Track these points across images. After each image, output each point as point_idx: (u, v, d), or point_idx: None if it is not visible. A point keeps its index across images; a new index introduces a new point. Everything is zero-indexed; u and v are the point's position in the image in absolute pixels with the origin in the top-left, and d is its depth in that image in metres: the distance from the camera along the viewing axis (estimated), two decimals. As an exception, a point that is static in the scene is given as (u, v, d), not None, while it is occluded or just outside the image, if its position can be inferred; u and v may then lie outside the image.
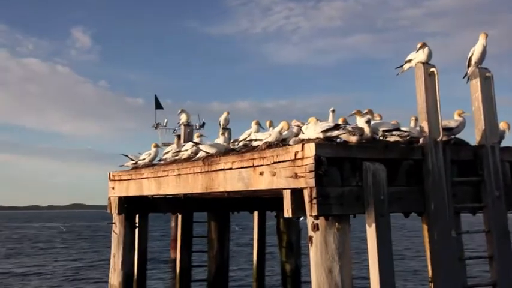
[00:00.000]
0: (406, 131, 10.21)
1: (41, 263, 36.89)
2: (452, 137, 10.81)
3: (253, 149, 11.45)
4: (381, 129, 10.33)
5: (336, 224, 9.23)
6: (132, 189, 15.66)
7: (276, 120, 12.40)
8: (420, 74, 10.37)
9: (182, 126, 19.58)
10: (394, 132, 10.20)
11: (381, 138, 10.37)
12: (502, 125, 11.09)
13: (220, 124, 17.46)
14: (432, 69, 10.32)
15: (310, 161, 9.10)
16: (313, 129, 9.86)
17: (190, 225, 18.38)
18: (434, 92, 10.24)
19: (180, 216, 18.38)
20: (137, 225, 17.02)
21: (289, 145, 10.12)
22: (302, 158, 9.32)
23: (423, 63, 10.33)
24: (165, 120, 39.92)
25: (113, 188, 16.60)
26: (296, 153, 9.46)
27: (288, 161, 9.62)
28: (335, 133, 9.68)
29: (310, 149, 9.13)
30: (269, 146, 10.80)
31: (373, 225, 9.22)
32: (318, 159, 9.02)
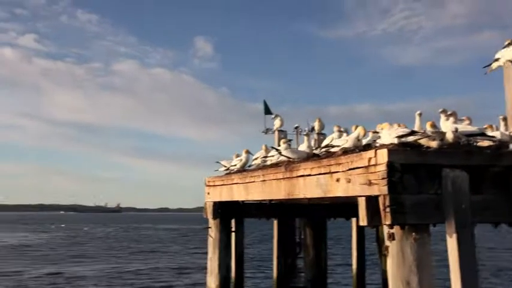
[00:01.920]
0: (491, 136, 9.41)
1: (147, 262, 38.74)
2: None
3: (331, 155, 11.19)
4: (464, 134, 9.60)
5: (413, 234, 8.74)
6: (224, 194, 15.99)
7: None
8: (509, 73, 9.55)
9: (276, 132, 19.64)
10: (479, 137, 9.44)
11: (465, 143, 9.63)
12: None
13: (314, 129, 17.29)
14: (524, 67, 9.46)
15: (383, 168, 8.70)
16: (388, 135, 9.43)
17: (286, 230, 18.37)
18: (526, 92, 9.37)
19: (275, 222, 18.42)
20: (233, 229, 17.30)
21: (363, 151, 9.76)
22: (375, 165, 8.94)
23: (512, 61, 9.50)
24: (275, 126, 40.47)
25: (208, 193, 17.05)
26: (369, 159, 9.10)
27: (362, 167, 9.29)
28: (410, 139, 9.17)
29: (383, 155, 8.73)
30: (345, 152, 10.49)
31: (454, 236, 8.59)
32: (390, 165, 8.61)
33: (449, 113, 9.99)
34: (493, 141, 9.39)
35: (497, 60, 9.96)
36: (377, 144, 10.04)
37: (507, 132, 9.60)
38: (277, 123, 19.46)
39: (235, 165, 16.03)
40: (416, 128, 10.35)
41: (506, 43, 9.70)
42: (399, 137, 9.23)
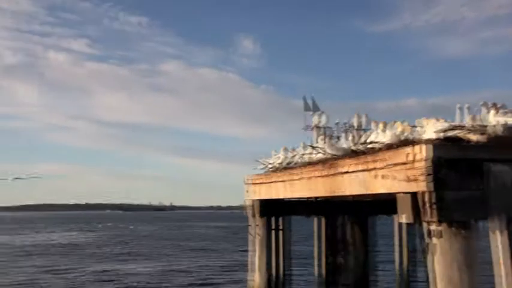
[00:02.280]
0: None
1: (196, 260, 39.10)
2: None
3: (371, 151, 11.03)
4: (507, 127, 9.28)
5: (460, 231, 8.50)
6: (264, 192, 16.00)
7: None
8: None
9: (314, 129, 19.45)
10: (524, 129, 9.10)
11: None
12: None
13: (353, 126, 17.07)
14: None
15: (423, 163, 8.52)
16: (428, 130, 9.23)
17: (332, 228, 18.18)
18: None
19: (322, 219, 18.27)
20: (280, 227, 17.28)
21: (402, 147, 9.57)
22: (415, 161, 8.77)
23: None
24: (314, 122, 40.19)
25: (248, 191, 17.09)
26: (408, 155, 8.93)
27: (401, 163, 9.12)
28: (451, 133, 8.93)
29: (424, 151, 8.55)
30: (386, 148, 10.31)
31: (498, 232, 8.36)
32: (435, 161, 8.40)
33: (490, 105, 9.68)
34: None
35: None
36: (417, 140, 9.83)
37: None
38: (315, 119, 19.20)
39: (273, 163, 15.97)
40: (456, 122, 10.06)
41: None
42: (440, 131, 9.02)
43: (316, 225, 18.62)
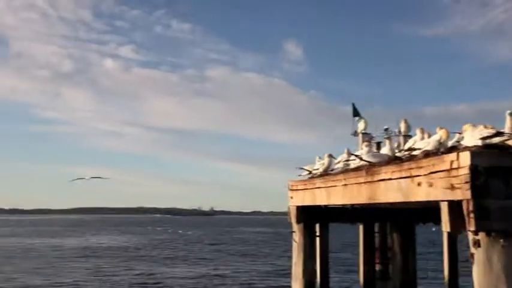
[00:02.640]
0: None
1: (237, 265, 39.21)
2: None
3: (412, 158, 10.83)
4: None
5: (501, 240, 8.25)
6: (307, 198, 15.92)
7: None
8: None
9: (360, 135, 19.27)
10: None
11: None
12: None
13: (400, 132, 16.81)
14: None
15: (465, 171, 8.30)
16: (471, 137, 8.98)
17: (371, 236, 17.97)
18: None
19: (361, 227, 18.07)
20: (318, 234, 17.18)
21: (445, 154, 9.35)
22: (458, 168, 8.55)
23: None
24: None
25: (292, 198, 17.04)
26: (452, 162, 8.71)
27: (444, 171, 8.91)
28: (496, 140, 8.67)
29: (466, 158, 8.33)
30: (427, 155, 10.10)
31: (544, 243, 8.03)
32: (473, 168, 8.19)
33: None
34: None
35: None
36: (459, 147, 9.60)
37: None
38: (361, 125, 19.04)
39: (317, 169, 15.89)
40: (507, 129, 9.76)
41: None
42: (483, 138, 8.78)
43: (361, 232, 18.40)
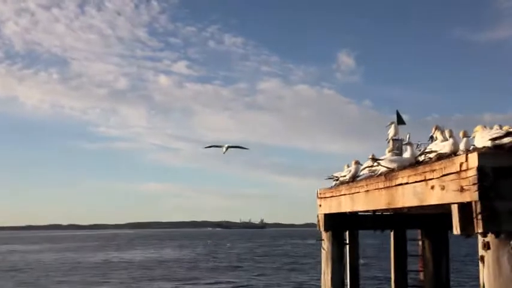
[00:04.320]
0: None
1: (285, 277, 39.17)
2: None
3: (427, 161, 10.73)
4: None
5: (511, 242, 8.08)
6: (334, 206, 15.87)
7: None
8: None
9: (390, 141, 19.01)
10: None
11: None
12: None
13: (432, 138, 16.58)
14: None
15: (473, 173, 8.20)
16: (480, 138, 8.86)
17: (403, 242, 17.69)
18: None
19: (391, 234, 17.84)
20: (346, 242, 17.08)
21: (456, 156, 9.25)
22: (467, 170, 8.45)
23: None
24: (408, 135, 39.33)
25: (320, 205, 17.03)
26: (461, 164, 8.61)
27: (454, 173, 8.80)
28: (506, 140, 8.51)
29: (474, 159, 8.23)
30: (440, 157, 9.99)
31: (556, 245, 7.82)
32: (481, 169, 8.08)
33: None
34: None
35: None
36: (470, 148, 9.48)
37: None
38: (391, 131, 18.70)
39: (344, 176, 15.85)
40: None
41: None
42: (493, 139, 8.64)
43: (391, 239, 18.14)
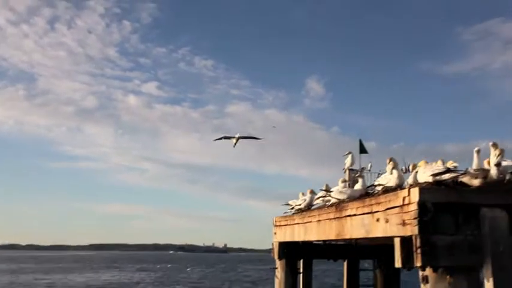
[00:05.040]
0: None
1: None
2: None
3: (375, 194, 10.98)
4: (509, 171, 9.05)
5: (448, 277, 8.30)
6: (288, 234, 15.98)
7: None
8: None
9: (347, 171, 19.29)
10: (524, 174, 8.85)
11: (510, 181, 9.05)
12: None
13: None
14: None
15: (414, 207, 8.44)
16: (423, 173, 9.13)
17: (355, 272, 17.87)
18: None
19: (345, 263, 18.01)
20: (300, 270, 17.15)
21: (400, 190, 9.49)
22: (409, 204, 8.68)
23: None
24: (369, 164, 39.76)
25: (276, 233, 17.11)
26: (404, 198, 8.85)
27: (398, 206, 9.03)
28: (446, 176, 8.80)
29: (415, 194, 8.47)
30: (386, 191, 10.23)
31: (491, 280, 8.07)
32: (422, 204, 8.33)
33: (493, 148, 9.45)
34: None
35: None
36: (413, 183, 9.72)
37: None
38: (348, 161, 18.97)
39: (299, 204, 15.99)
40: (474, 166, 9.86)
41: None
42: (434, 175, 8.91)
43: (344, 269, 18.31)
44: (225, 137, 23.90)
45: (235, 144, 23.72)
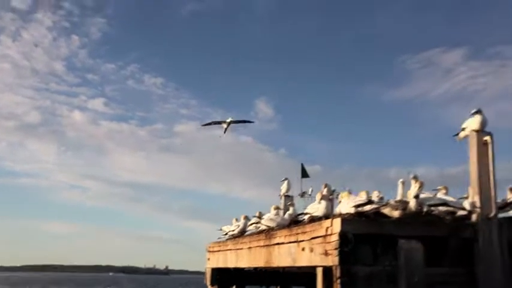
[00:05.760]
0: (453, 206, 9.20)
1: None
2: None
3: (300, 223, 11.16)
4: (427, 203, 9.43)
5: (367, 307, 8.51)
6: (221, 260, 15.96)
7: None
8: (473, 142, 9.44)
9: (282, 197, 19.46)
10: (440, 208, 9.24)
11: (428, 213, 9.43)
12: None
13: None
14: (486, 138, 9.35)
15: (336, 238, 8.64)
16: (345, 204, 9.39)
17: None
18: (487, 162, 9.19)
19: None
20: (234, 297, 17.08)
21: (324, 220, 9.69)
22: (331, 234, 8.88)
23: (477, 131, 9.41)
24: (310, 189, 40.04)
25: (209, 259, 17.04)
26: (327, 228, 9.04)
27: (321, 236, 9.22)
28: (367, 208, 9.08)
29: (337, 225, 8.68)
30: (312, 220, 10.43)
31: (407, 310, 8.33)
32: (343, 235, 8.54)
33: (414, 181, 9.80)
34: (455, 211, 9.16)
35: (464, 129, 9.87)
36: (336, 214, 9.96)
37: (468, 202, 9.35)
38: (284, 188, 19.10)
39: (233, 230, 16.00)
40: (399, 196, 10.18)
41: (472, 112, 9.65)
42: (356, 206, 9.17)
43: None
44: (215, 122, 23.03)
45: (225, 130, 22.82)
